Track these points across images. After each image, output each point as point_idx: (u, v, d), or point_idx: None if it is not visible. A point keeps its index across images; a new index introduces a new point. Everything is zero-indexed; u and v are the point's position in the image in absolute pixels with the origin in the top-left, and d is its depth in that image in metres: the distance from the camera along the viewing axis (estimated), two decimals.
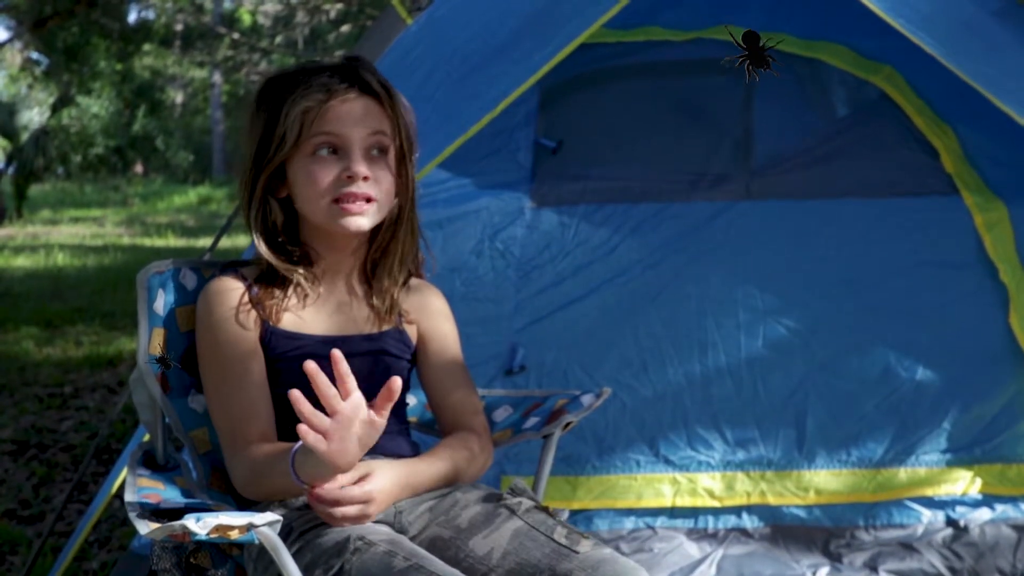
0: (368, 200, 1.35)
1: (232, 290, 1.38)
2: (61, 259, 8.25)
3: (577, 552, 1.21)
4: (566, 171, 2.29)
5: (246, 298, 1.38)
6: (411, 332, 1.47)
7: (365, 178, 1.34)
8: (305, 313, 1.39)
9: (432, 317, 1.49)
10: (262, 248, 1.38)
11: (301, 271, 1.39)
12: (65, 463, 3.22)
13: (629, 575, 1.18)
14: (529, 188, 2.27)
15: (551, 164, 2.30)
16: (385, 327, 1.43)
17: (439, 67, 2.19)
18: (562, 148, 2.31)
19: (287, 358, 1.37)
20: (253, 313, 1.37)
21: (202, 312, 1.39)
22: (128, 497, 1.22)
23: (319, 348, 1.38)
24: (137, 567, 2.00)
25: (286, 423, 1.38)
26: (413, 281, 1.49)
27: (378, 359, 1.42)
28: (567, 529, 1.25)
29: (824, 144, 2.30)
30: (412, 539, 1.30)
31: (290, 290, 1.39)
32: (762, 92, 2.35)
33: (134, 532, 2.56)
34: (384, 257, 1.43)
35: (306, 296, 1.40)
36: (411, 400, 1.64)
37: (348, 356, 1.39)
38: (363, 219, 1.35)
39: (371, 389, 1.41)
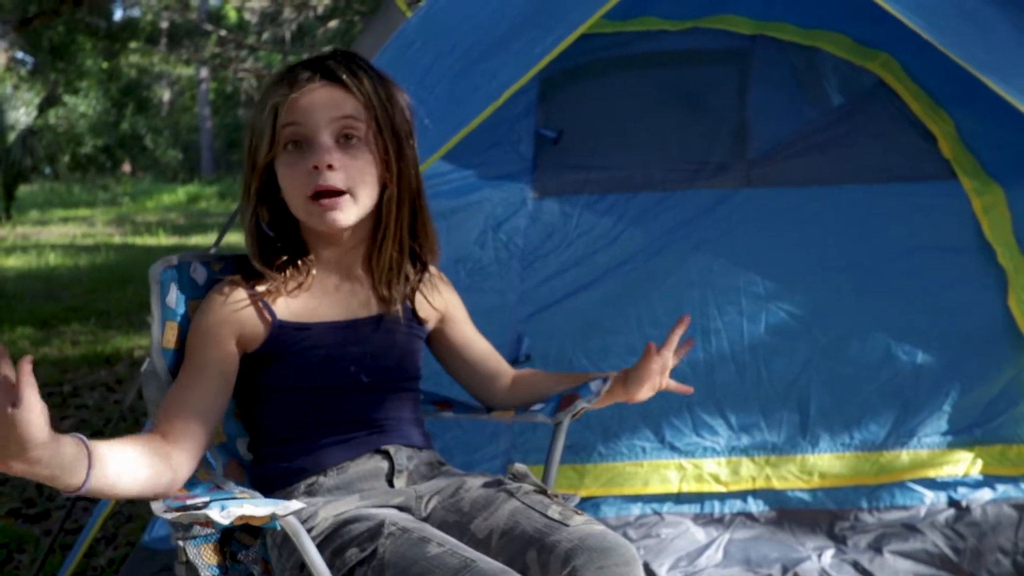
0: (339, 193, 1.32)
1: (226, 302, 1.35)
2: (53, 259, 8.22)
3: (567, 525, 1.23)
4: (567, 161, 2.31)
5: (240, 308, 1.35)
6: (428, 318, 1.50)
7: (330, 166, 1.31)
8: (312, 304, 1.40)
9: (448, 303, 1.54)
10: (251, 253, 1.38)
11: (284, 274, 1.37)
12: None
13: (617, 549, 1.19)
14: (531, 179, 2.28)
15: (552, 154, 2.31)
16: (392, 308, 1.44)
17: (440, 60, 2.20)
18: (563, 138, 2.32)
19: (294, 351, 1.38)
20: (238, 328, 1.34)
21: (198, 313, 1.38)
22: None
23: (327, 335, 1.39)
24: (148, 562, 2.00)
25: (301, 417, 1.39)
26: (432, 269, 1.50)
27: (390, 336, 1.44)
28: (562, 507, 1.27)
29: (822, 131, 2.32)
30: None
31: (291, 284, 1.39)
32: (760, 80, 2.36)
33: (141, 529, 2.57)
34: (384, 243, 1.41)
35: (311, 288, 1.40)
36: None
37: (359, 339, 1.40)
38: (339, 214, 1.33)
39: (387, 366, 1.42)
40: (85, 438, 1.08)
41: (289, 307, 1.39)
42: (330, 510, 1.28)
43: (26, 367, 0.96)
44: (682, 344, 1.50)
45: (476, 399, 1.61)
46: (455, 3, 2.38)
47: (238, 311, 1.35)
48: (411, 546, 1.18)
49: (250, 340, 1.37)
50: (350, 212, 1.34)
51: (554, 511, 1.26)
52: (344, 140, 1.33)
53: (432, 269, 1.52)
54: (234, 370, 1.35)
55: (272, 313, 1.37)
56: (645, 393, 1.48)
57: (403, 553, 1.17)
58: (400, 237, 1.41)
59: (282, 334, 1.37)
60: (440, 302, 1.53)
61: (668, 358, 1.47)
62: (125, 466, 1.13)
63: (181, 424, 1.25)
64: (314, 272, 1.41)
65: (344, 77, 1.34)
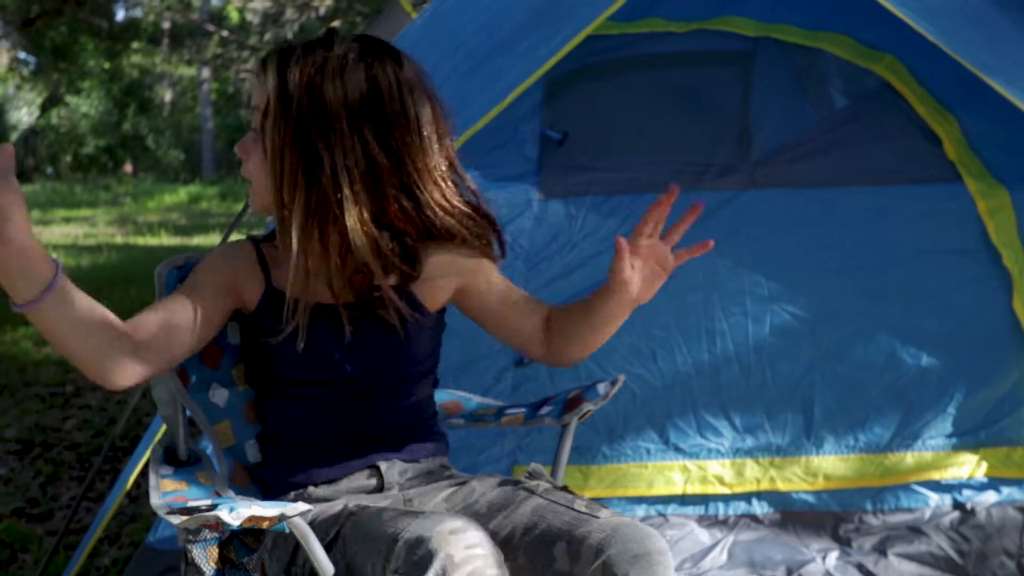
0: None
1: (233, 251, 1.40)
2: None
3: (597, 517, 1.22)
4: (572, 163, 2.30)
5: (243, 257, 1.39)
6: (437, 299, 1.42)
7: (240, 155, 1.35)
8: (304, 284, 1.35)
9: (466, 270, 1.43)
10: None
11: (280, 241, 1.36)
12: (71, 461, 3.22)
13: (651, 538, 1.19)
14: (536, 180, 2.28)
15: (557, 156, 2.31)
16: (376, 296, 1.35)
17: (445, 61, 2.20)
18: (567, 140, 2.32)
19: (282, 327, 1.34)
20: (237, 275, 1.37)
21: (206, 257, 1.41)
22: (154, 500, 1.23)
23: (314, 315, 1.35)
24: (153, 562, 2.01)
25: (294, 421, 1.39)
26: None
27: (380, 325, 1.37)
28: (586, 502, 1.27)
29: (828, 133, 2.31)
30: None
31: (289, 261, 1.35)
32: (764, 82, 2.36)
33: (145, 529, 2.57)
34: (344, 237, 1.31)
35: (305, 270, 1.34)
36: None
37: (341, 326, 1.35)
38: (250, 197, 1.37)
39: (373, 352, 1.36)
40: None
41: (282, 282, 1.36)
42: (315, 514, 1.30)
43: None
44: (690, 211, 1.31)
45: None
46: (461, 4, 2.38)
47: (241, 259, 1.39)
48: (369, 517, 1.20)
49: (246, 294, 1.38)
50: (254, 198, 1.37)
51: (580, 505, 1.26)
52: (252, 132, 1.35)
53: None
54: (225, 305, 1.35)
55: (267, 277, 1.38)
56: (647, 289, 1.33)
57: (361, 525, 1.20)
58: (342, 235, 1.30)
59: (273, 301, 1.36)
60: (453, 280, 1.43)
61: (642, 245, 1.30)
62: (89, 306, 1.15)
63: (153, 321, 1.26)
64: (306, 248, 1.35)
65: (258, 69, 1.33)
